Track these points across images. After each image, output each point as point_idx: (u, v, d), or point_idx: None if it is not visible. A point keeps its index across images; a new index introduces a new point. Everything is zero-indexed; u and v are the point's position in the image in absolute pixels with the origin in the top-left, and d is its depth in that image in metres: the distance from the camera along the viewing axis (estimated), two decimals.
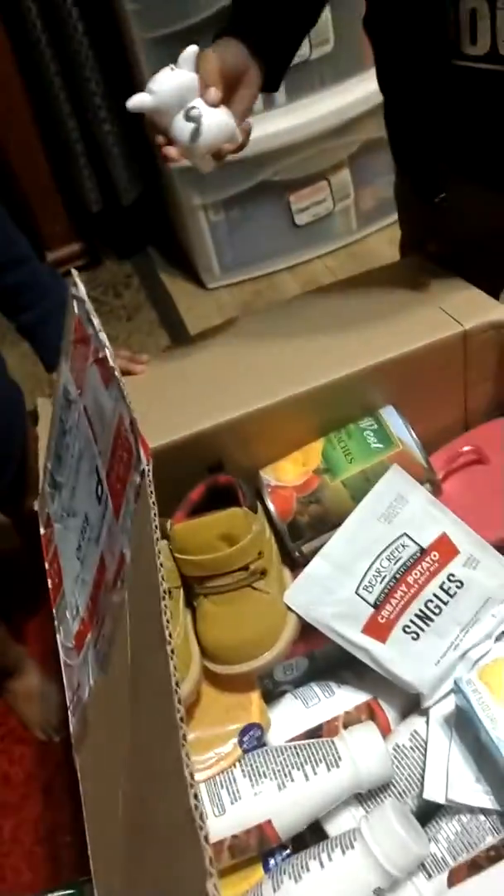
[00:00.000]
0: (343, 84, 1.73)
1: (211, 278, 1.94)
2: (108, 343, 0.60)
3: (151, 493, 0.50)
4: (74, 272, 0.69)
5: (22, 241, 1.00)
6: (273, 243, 1.90)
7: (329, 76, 1.71)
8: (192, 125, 0.74)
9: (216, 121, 0.75)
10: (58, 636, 0.71)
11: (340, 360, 0.89)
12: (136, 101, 0.75)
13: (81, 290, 0.65)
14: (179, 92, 0.74)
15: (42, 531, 0.81)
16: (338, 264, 1.94)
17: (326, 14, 1.62)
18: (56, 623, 0.73)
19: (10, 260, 0.98)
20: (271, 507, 0.86)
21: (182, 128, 0.74)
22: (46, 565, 0.78)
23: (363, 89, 1.73)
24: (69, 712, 0.67)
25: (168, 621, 0.46)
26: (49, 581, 0.76)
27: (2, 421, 1.02)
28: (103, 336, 0.60)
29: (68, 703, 0.67)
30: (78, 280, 0.66)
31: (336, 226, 1.94)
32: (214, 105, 0.74)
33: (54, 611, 0.74)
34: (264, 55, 0.78)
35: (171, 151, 0.76)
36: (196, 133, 0.74)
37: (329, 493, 0.86)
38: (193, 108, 0.73)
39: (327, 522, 0.86)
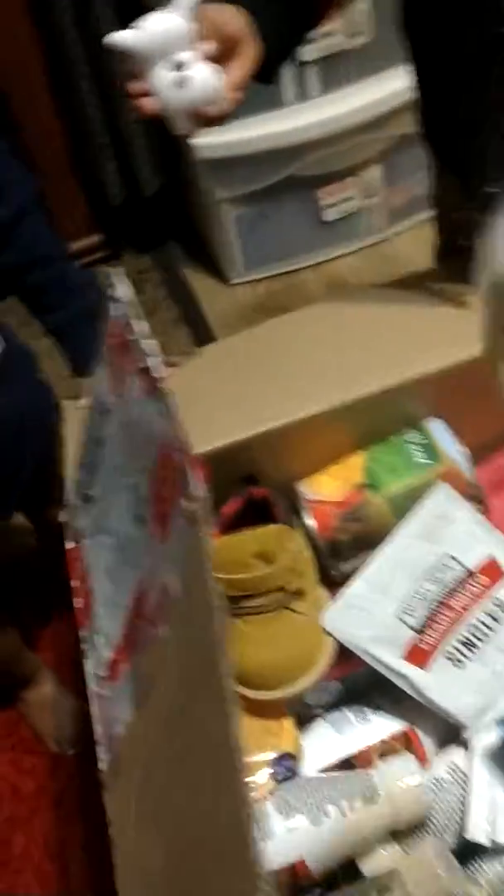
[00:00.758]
0: (378, 77, 1.68)
1: (234, 274, 1.89)
2: (154, 351, 0.55)
3: (208, 524, 0.46)
4: (111, 270, 0.64)
5: (53, 240, 0.95)
6: (298, 240, 1.85)
7: (364, 68, 1.66)
8: (176, 75, 0.66)
9: (204, 76, 0.66)
10: (86, 662, 0.67)
11: (382, 369, 0.85)
12: (118, 37, 0.66)
13: (123, 292, 0.60)
14: (167, 37, 0.66)
15: (69, 546, 0.77)
16: (363, 264, 1.89)
17: (363, 4, 1.56)
18: (84, 647, 0.68)
19: (40, 257, 0.93)
20: (311, 523, 0.82)
21: (165, 77, 0.66)
22: (73, 583, 0.73)
23: (398, 83, 1.68)
24: (98, 745, 0.62)
25: (229, 674, 0.41)
26: (76, 600, 0.72)
27: (29, 423, 0.98)
28: (149, 344, 0.56)
29: (98, 736, 0.63)
30: (116, 279, 0.61)
31: (363, 224, 1.89)
32: (206, 60, 0.66)
33: (82, 633, 0.69)
34: (266, 38, 0.71)
35: (147, 103, 0.67)
36: (180, 84, 0.66)
37: (371, 510, 0.82)
38: (182, 57, 0.66)
39: (368, 541, 0.81)
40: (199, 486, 0.47)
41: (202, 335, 1.77)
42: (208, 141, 1.66)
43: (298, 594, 0.79)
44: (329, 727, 0.75)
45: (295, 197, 1.79)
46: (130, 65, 0.66)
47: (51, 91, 1.77)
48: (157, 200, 1.93)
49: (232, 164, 1.69)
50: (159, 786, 0.51)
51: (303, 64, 1.61)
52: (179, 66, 0.65)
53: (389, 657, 0.72)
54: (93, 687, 0.65)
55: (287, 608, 0.79)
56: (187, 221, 2.04)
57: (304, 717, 0.75)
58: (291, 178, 1.74)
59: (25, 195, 0.92)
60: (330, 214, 1.84)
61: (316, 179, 1.77)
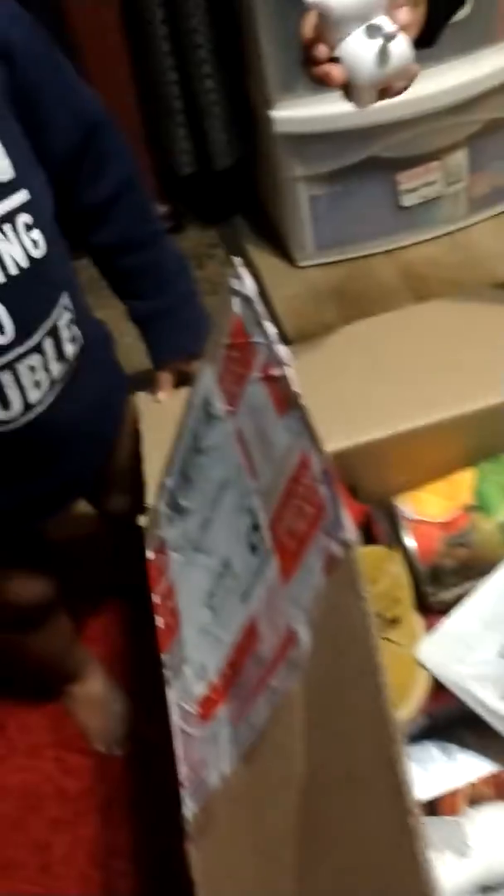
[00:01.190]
0: (471, 56, 1.58)
1: (303, 256, 1.80)
2: (288, 359, 0.48)
3: (362, 572, 0.39)
4: (238, 261, 0.57)
5: (151, 222, 0.88)
6: (374, 223, 1.76)
7: (457, 46, 1.55)
8: (378, 44, 0.60)
9: (403, 48, 0.62)
10: (168, 690, 0.61)
11: (497, 379, 0.78)
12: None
13: (249, 286, 0.53)
14: (369, 3, 0.60)
15: (150, 555, 0.70)
16: (439, 252, 1.80)
17: None
18: (166, 673, 0.62)
19: (136, 240, 0.86)
20: (412, 545, 0.74)
21: (366, 46, 0.61)
22: (155, 598, 0.67)
23: (492, 63, 1.58)
24: (182, 788, 0.56)
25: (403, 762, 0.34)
26: (158, 618, 0.65)
27: (100, 415, 0.90)
28: (281, 350, 0.48)
29: (182, 777, 0.56)
30: (244, 273, 0.54)
31: (443, 211, 1.79)
32: (401, 29, 0.61)
33: (164, 657, 0.63)
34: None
35: (336, 71, 0.63)
36: (382, 56, 0.61)
37: (480, 535, 0.74)
38: (384, 25, 0.60)
39: (474, 569, 0.74)
40: (349, 528, 0.40)
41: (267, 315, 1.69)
42: (289, 115, 1.58)
43: (395, 622, 0.73)
44: (411, 762, 0.70)
45: (373, 179, 1.69)
46: (322, 27, 0.61)
47: (127, 51, 1.69)
48: (227, 173, 1.84)
49: (312, 141, 1.60)
50: (272, 858, 0.44)
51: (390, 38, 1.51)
52: (382, 36, 0.60)
53: (491, 698, 0.67)
54: (177, 720, 0.59)
55: (382, 637, 0.73)
56: (256, 197, 1.95)
57: None
58: (372, 158, 1.64)
59: (125, 170, 0.84)
60: (409, 199, 1.74)
61: (397, 162, 1.67)
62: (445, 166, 1.72)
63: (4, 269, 0.68)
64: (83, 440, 0.86)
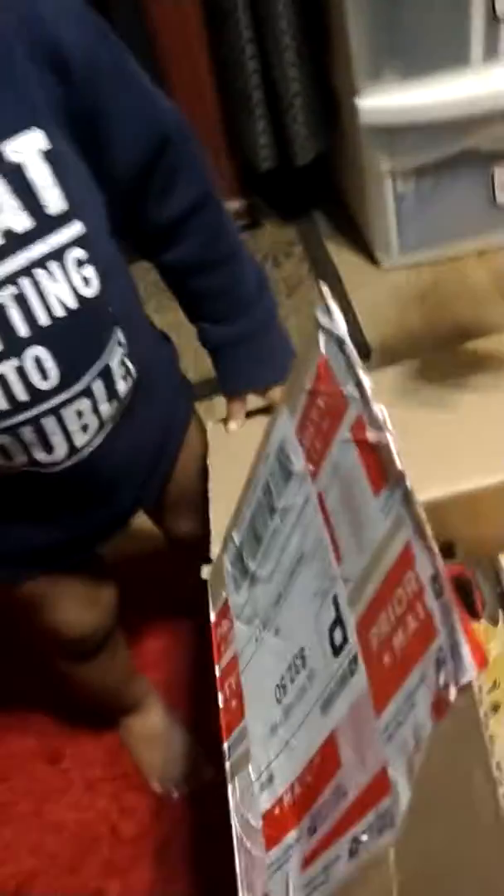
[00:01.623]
0: None
1: (386, 256, 1.69)
2: (388, 424, 0.39)
3: (483, 720, 0.29)
4: (326, 292, 0.48)
5: (229, 240, 0.78)
6: (465, 222, 1.64)
7: None
8: None
9: None
10: (231, 789, 0.52)
11: None
12: None
13: (339, 324, 0.44)
14: None
15: (213, 618, 0.62)
16: None
17: None
18: (228, 766, 0.54)
19: (210, 260, 0.77)
20: None
21: None
22: (217, 671, 0.59)
23: None
24: None
25: None
26: (221, 697, 0.57)
27: (160, 432, 0.83)
28: (380, 410, 0.39)
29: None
30: (334, 309, 0.45)
31: None
32: None
33: (226, 745, 0.55)
34: None
35: None
36: None
37: None
38: None
39: None
40: (469, 665, 0.30)
41: (347, 321, 1.59)
42: (377, 104, 1.46)
43: (495, 709, 0.63)
44: None
45: (467, 174, 1.56)
46: None
47: (206, 41, 1.60)
48: (306, 167, 1.74)
49: (401, 133, 1.49)
50: None
51: (497, 19, 1.39)
52: None
53: None
54: (239, 831, 0.51)
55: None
56: (337, 192, 1.85)
57: None
58: (466, 153, 1.52)
59: (200, 185, 0.74)
60: (496, 202, 1.61)
61: (494, 155, 1.55)
62: None
63: (49, 310, 0.61)
64: (137, 474, 0.79)
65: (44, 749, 1.16)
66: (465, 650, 0.31)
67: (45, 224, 0.59)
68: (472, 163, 1.55)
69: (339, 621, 0.42)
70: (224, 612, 0.60)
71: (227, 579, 0.60)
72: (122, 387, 0.70)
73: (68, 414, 0.66)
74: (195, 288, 0.78)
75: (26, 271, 0.60)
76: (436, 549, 0.35)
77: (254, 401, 0.84)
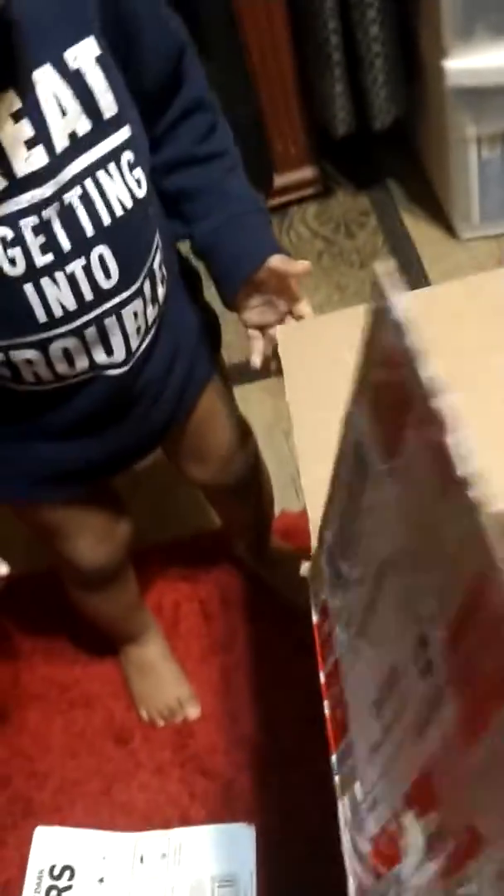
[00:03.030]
0: None
1: (466, 227, 1.62)
2: (457, 425, 0.33)
3: None
4: (384, 274, 0.42)
5: (226, 143, 0.82)
6: None
7: None
8: None
9: None
10: (340, 805, 0.49)
11: None
12: None
13: (401, 312, 0.38)
14: None
15: (315, 618, 0.58)
16: None
17: None
18: (337, 780, 0.50)
19: (203, 155, 0.81)
20: None
21: None
22: (322, 677, 0.55)
23: None
24: None
25: None
26: (327, 705, 0.53)
27: (189, 344, 0.86)
28: (444, 410, 0.34)
29: None
30: (394, 296, 0.39)
31: None
32: None
33: (334, 758, 0.51)
34: None
35: None
36: None
37: None
38: None
39: None
40: None
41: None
42: (466, 65, 1.39)
43: None
44: None
45: None
46: None
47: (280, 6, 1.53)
48: (383, 133, 1.67)
49: (490, 96, 1.41)
50: None
51: None
52: None
53: None
54: (348, 848, 0.47)
55: None
56: (413, 160, 1.77)
57: None
58: None
59: (199, 88, 0.79)
60: None
61: None
62: None
63: (111, 210, 0.67)
64: (173, 388, 0.85)
65: (113, 729, 1.14)
66: None
67: (102, 127, 0.65)
68: None
69: (423, 639, 0.37)
70: (325, 613, 0.56)
71: (324, 580, 0.56)
72: (160, 291, 0.77)
73: (127, 314, 0.72)
74: (183, 185, 0.80)
75: (90, 172, 0.65)
76: None
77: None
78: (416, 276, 1.59)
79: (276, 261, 0.78)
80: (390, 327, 0.39)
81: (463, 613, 0.33)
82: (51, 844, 1.03)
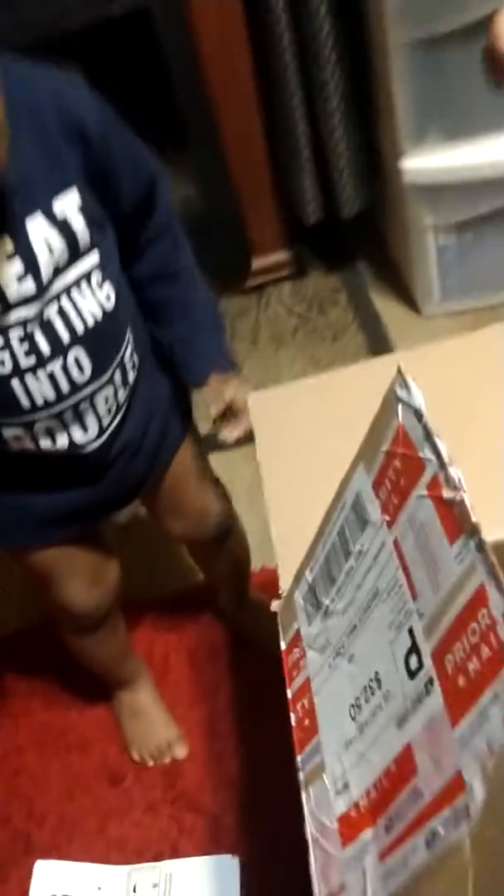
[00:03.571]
0: None
1: (429, 304, 1.77)
2: (462, 484, 0.46)
3: None
4: (401, 366, 0.55)
5: (188, 258, 0.96)
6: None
7: None
8: None
9: None
10: (304, 796, 0.59)
11: None
12: None
13: (416, 397, 0.51)
14: None
15: (283, 645, 0.69)
16: None
17: None
18: (301, 776, 0.61)
19: (172, 271, 0.95)
20: None
21: None
22: (290, 693, 0.66)
23: None
24: None
25: None
26: (293, 716, 0.64)
27: (159, 409, 1.00)
28: (457, 473, 0.46)
29: (315, 892, 0.55)
30: (412, 384, 0.52)
31: None
32: None
33: (299, 759, 0.62)
34: None
35: None
36: None
37: None
38: None
39: None
40: None
41: None
42: (421, 165, 1.56)
43: None
44: None
45: (501, 235, 1.65)
46: None
47: (259, 100, 1.71)
48: (351, 220, 1.83)
49: (444, 191, 1.58)
50: None
51: None
52: None
53: None
54: (313, 831, 0.57)
55: None
56: (380, 242, 1.93)
57: None
58: (499, 214, 1.61)
59: (168, 214, 0.92)
60: None
61: None
62: None
63: (84, 321, 0.82)
64: (146, 451, 0.98)
65: (107, 770, 1.23)
66: None
67: (75, 256, 0.80)
68: None
69: (414, 649, 0.49)
70: (295, 642, 0.67)
71: (298, 613, 0.67)
72: (131, 375, 0.91)
73: (99, 399, 0.86)
74: (159, 295, 0.95)
75: (66, 292, 0.80)
76: None
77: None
78: (384, 350, 1.74)
79: (211, 385, 0.98)
80: (408, 412, 0.52)
81: (455, 627, 0.45)
82: (50, 876, 1.11)
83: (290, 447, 0.88)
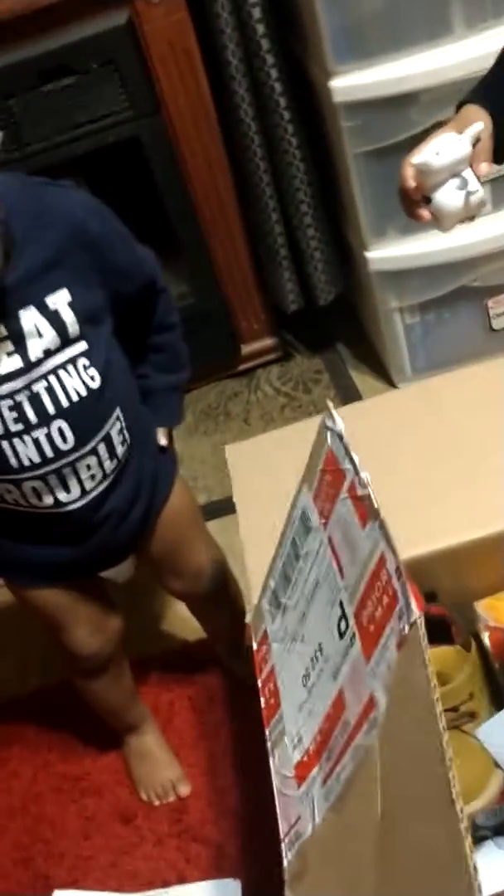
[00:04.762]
0: None
1: (402, 378, 1.95)
2: (370, 482, 0.61)
3: (426, 645, 0.50)
4: (330, 404, 0.71)
5: (177, 320, 1.13)
6: (467, 347, 1.88)
7: None
8: (464, 195, 0.83)
9: (482, 194, 0.83)
10: (272, 760, 0.72)
11: None
12: (423, 160, 0.83)
13: (339, 424, 0.67)
14: (459, 162, 0.82)
15: (254, 646, 0.83)
16: None
17: None
18: (269, 745, 0.73)
19: (166, 325, 1.12)
20: (487, 644, 0.84)
21: (455, 195, 0.83)
22: (259, 683, 0.79)
23: None
24: (283, 844, 0.66)
25: (454, 786, 0.45)
26: (262, 700, 0.77)
27: (148, 483, 1.12)
28: (365, 475, 0.62)
29: (281, 834, 0.67)
30: (335, 414, 0.68)
31: None
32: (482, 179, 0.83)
33: (267, 731, 0.74)
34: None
35: (425, 214, 0.87)
36: (467, 200, 0.83)
37: None
38: (468, 178, 0.83)
39: None
40: (415, 611, 0.51)
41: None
42: (383, 255, 1.75)
43: (471, 716, 0.81)
44: (499, 851, 0.75)
45: (465, 306, 1.84)
46: (419, 178, 0.84)
47: (238, 208, 1.92)
48: (328, 306, 2.03)
49: (405, 276, 1.77)
50: (360, 888, 0.54)
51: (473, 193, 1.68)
52: (465, 185, 0.83)
53: None
54: (277, 785, 0.70)
55: (459, 729, 0.80)
56: (356, 326, 2.12)
57: (473, 838, 0.76)
58: (463, 288, 1.79)
59: (167, 304, 1.09)
60: (499, 322, 1.87)
61: (487, 290, 1.82)
62: None
63: (69, 397, 0.95)
64: (133, 517, 1.09)
65: (118, 810, 1.33)
66: (413, 604, 0.52)
67: (65, 343, 0.93)
68: (469, 297, 1.82)
69: (343, 615, 0.63)
70: (263, 640, 0.81)
71: (265, 616, 0.81)
72: (120, 450, 1.02)
73: (81, 466, 0.98)
74: (154, 343, 1.12)
75: (53, 372, 0.93)
76: (398, 554, 0.57)
77: None
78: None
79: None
80: (334, 436, 0.68)
81: (367, 588, 0.60)
82: None
83: (262, 489, 1.04)
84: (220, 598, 1.33)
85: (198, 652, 1.51)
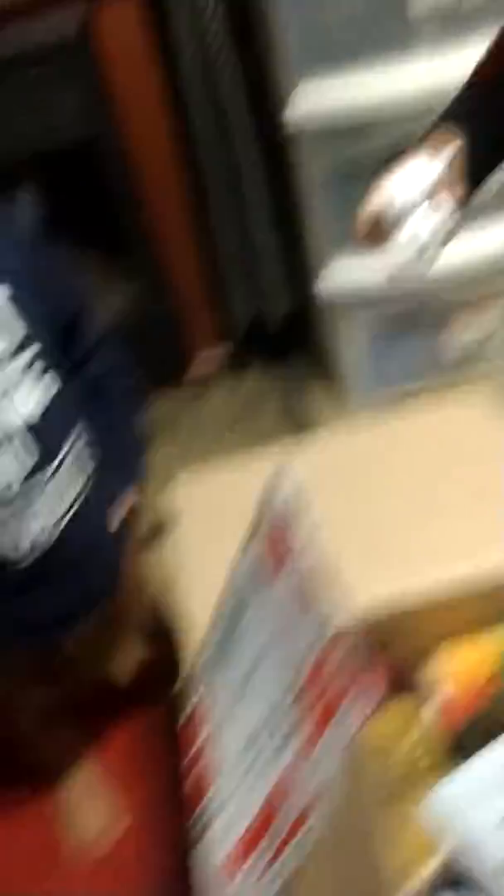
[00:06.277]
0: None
1: (355, 395, 1.93)
2: (317, 565, 0.58)
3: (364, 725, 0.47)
4: (282, 469, 0.67)
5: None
6: (421, 367, 1.88)
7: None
8: (417, 251, 0.80)
9: (434, 253, 0.81)
10: (196, 851, 0.68)
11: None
12: (386, 196, 0.80)
13: (287, 487, 0.63)
14: (425, 193, 0.80)
15: (185, 719, 0.79)
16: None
17: None
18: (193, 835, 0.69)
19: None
20: (445, 697, 0.81)
21: (406, 249, 0.80)
22: (190, 753, 0.75)
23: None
24: None
25: None
26: (188, 780, 0.73)
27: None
28: (314, 544, 0.58)
29: None
30: (284, 474, 0.64)
31: (487, 358, 1.90)
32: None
33: (191, 822, 0.70)
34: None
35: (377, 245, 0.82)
36: (417, 259, 0.81)
37: None
38: (427, 239, 0.80)
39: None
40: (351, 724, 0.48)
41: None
42: (337, 274, 1.73)
43: (431, 769, 0.78)
44: None
45: (419, 326, 1.82)
46: (383, 203, 0.80)
47: (193, 217, 1.89)
48: (283, 321, 2.01)
49: (357, 306, 1.76)
50: None
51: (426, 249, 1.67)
52: (421, 242, 0.80)
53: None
54: (204, 875, 0.65)
55: (409, 798, 0.78)
56: (310, 340, 2.10)
57: None
58: (418, 309, 1.78)
59: (99, 332, 1.07)
60: (454, 348, 1.86)
61: (442, 313, 1.81)
62: (490, 316, 1.84)
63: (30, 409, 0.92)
64: (94, 559, 1.06)
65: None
66: (361, 687, 0.49)
67: (19, 347, 0.91)
68: (423, 317, 1.81)
69: (289, 689, 0.60)
70: (193, 714, 0.76)
71: (198, 686, 0.77)
72: (88, 467, 1.00)
73: (50, 488, 0.94)
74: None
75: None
76: (346, 641, 0.53)
77: None
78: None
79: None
80: (283, 498, 0.64)
81: (308, 682, 0.56)
82: None
83: (215, 532, 0.98)
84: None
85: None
